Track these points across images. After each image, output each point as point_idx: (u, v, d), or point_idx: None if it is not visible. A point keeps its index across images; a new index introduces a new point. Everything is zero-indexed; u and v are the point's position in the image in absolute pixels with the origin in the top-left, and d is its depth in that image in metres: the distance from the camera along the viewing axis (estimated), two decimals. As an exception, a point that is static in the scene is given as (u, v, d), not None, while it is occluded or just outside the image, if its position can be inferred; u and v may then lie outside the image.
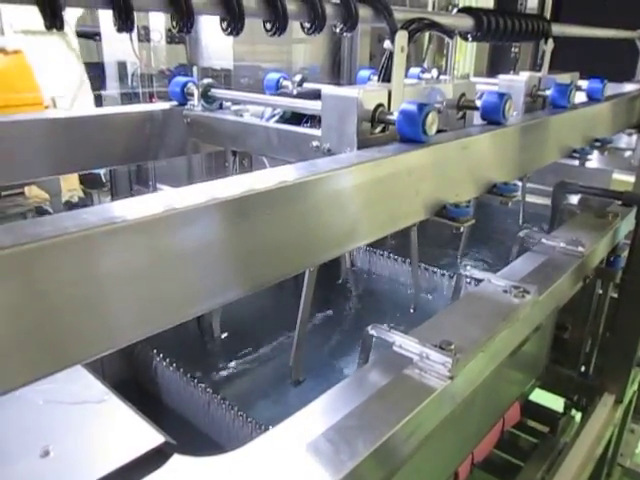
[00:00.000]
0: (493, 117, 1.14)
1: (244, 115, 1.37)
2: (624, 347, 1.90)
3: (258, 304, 1.46)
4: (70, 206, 4.98)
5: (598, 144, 1.72)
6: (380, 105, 0.95)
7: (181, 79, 1.39)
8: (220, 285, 0.66)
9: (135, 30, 1.95)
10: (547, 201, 1.97)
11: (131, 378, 1.23)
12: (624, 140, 3.08)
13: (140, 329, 0.59)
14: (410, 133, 0.92)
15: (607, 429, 1.85)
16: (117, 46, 2.25)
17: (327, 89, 0.95)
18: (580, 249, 1.42)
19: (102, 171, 4.68)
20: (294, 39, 2.25)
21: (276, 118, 1.27)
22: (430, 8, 3.37)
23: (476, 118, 1.20)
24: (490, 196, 2.13)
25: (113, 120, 1.38)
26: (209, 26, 2.08)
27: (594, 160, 3.27)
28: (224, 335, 1.30)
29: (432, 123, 0.91)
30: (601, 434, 1.80)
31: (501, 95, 1.13)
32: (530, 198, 2.10)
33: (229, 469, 0.71)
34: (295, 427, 0.77)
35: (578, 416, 2.05)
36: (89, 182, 5.13)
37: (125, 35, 2.14)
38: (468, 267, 1.28)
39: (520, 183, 1.79)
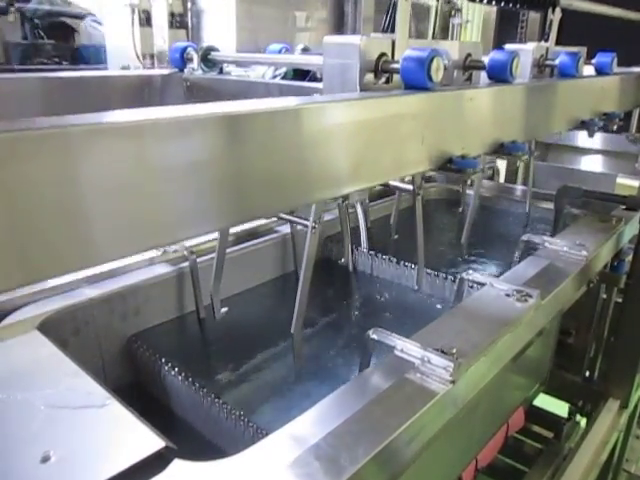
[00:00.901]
0: (500, 75, 1.10)
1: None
2: (629, 352, 1.89)
3: (261, 309, 1.46)
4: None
5: (605, 118, 1.68)
6: (383, 54, 0.91)
7: (180, 44, 1.36)
8: (209, 210, 0.61)
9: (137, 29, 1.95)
10: (550, 205, 1.97)
11: (133, 382, 1.23)
12: (629, 145, 3.08)
13: (119, 247, 0.53)
14: (415, 79, 0.88)
15: (612, 435, 1.84)
16: (121, 52, 2.27)
17: (329, 38, 0.92)
18: (583, 253, 1.41)
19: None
20: (297, 27, 2.26)
21: (278, 79, 1.25)
22: (433, 14, 3.38)
23: (482, 80, 1.17)
24: (495, 199, 2.13)
25: (112, 82, 1.36)
26: (211, 11, 2.08)
27: (598, 164, 3.27)
28: (225, 334, 1.30)
29: (437, 69, 0.88)
30: (606, 440, 1.79)
31: (509, 53, 1.09)
32: (533, 202, 2.10)
33: (230, 474, 0.71)
34: (296, 432, 0.77)
35: (583, 421, 2.03)
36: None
37: (128, 36, 2.15)
38: (470, 271, 1.27)
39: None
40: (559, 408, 2.10)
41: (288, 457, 0.71)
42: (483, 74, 1.14)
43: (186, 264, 1.34)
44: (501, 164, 3.41)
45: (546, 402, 2.03)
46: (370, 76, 0.91)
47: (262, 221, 1.62)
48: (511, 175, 3.31)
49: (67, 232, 0.48)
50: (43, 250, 0.47)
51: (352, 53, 0.88)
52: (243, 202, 0.65)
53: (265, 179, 0.66)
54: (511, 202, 2.18)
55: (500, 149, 1.12)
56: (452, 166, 0.96)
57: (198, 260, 1.35)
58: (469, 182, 2.21)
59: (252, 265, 1.53)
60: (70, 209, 0.48)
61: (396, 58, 0.93)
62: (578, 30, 1.79)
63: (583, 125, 1.57)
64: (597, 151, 3.21)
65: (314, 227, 1.11)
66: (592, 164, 3.26)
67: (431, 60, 0.86)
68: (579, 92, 1.51)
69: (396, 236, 1.59)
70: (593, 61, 1.64)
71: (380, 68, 0.92)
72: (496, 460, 1.67)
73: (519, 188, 2.30)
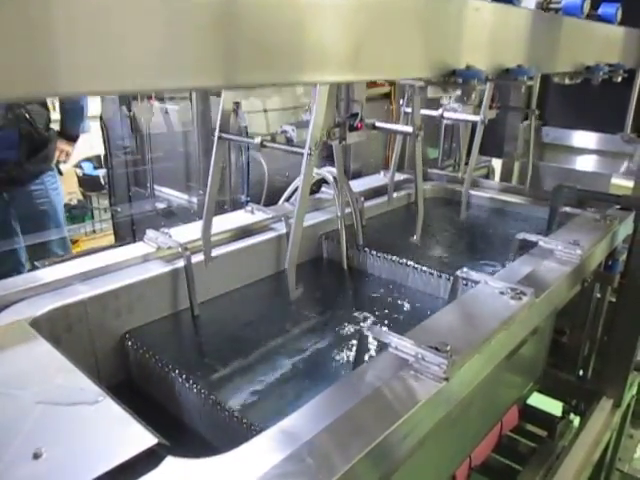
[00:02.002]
0: None
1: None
2: (622, 351, 1.89)
3: (256, 307, 1.46)
4: (69, 208, 4.99)
5: (610, 69, 1.66)
6: None
7: None
8: (192, 61, 0.56)
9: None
10: (545, 204, 1.98)
11: (126, 379, 1.23)
12: (624, 144, 3.09)
13: (85, 80, 0.48)
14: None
15: (605, 434, 1.85)
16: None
17: None
18: (578, 252, 1.41)
19: (101, 174, 4.70)
20: None
21: None
22: None
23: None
24: (493, 201, 2.13)
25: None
26: None
27: (593, 164, 3.28)
28: (218, 337, 1.30)
29: None
30: (599, 438, 1.79)
31: None
32: (528, 201, 2.10)
33: (223, 471, 0.71)
34: (289, 429, 0.77)
35: (577, 420, 2.04)
36: (88, 185, 5.14)
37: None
38: (465, 268, 1.28)
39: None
40: (553, 407, 2.10)
41: (281, 454, 0.71)
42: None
43: (180, 261, 1.34)
44: (496, 163, 3.42)
45: (540, 401, 2.03)
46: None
47: (258, 218, 1.62)
48: (506, 174, 3.32)
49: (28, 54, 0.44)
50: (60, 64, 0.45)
51: None
52: (229, 62, 0.60)
53: (256, 42, 0.61)
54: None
55: (505, 75, 1.09)
56: (456, 79, 0.92)
57: (192, 257, 1.34)
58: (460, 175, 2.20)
59: (248, 262, 1.52)
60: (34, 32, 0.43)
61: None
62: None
63: (587, 71, 1.54)
64: (592, 151, 3.22)
65: (310, 154, 1.10)
66: (587, 164, 3.27)
67: None
68: (584, 34, 1.47)
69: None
70: (598, 11, 1.61)
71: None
72: (490, 459, 1.67)
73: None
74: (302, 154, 1.11)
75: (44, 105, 2.83)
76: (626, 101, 2.88)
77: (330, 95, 1.18)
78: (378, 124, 1.53)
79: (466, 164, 3.48)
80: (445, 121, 2.15)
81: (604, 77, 1.65)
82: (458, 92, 1.59)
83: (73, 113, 2.97)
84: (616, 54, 1.71)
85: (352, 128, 1.41)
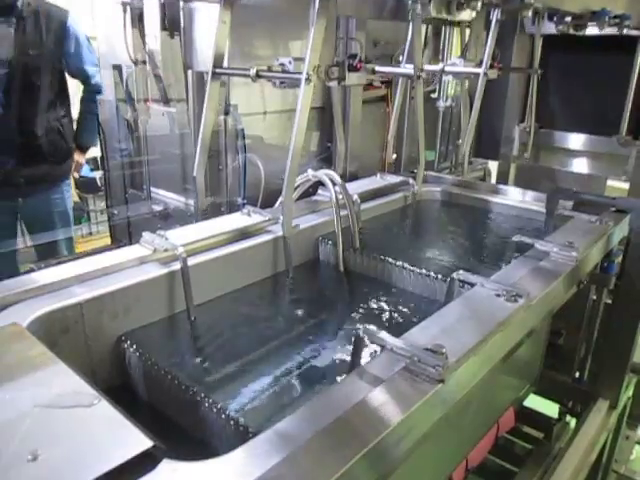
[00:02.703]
0: None
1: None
2: (618, 353, 1.90)
3: (252, 309, 1.46)
4: (65, 211, 4.98)
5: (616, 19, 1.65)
6: None
7: None
8: None
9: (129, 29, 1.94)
10: (542, 207, 1.98)
11: (123, 382, 1.23)
12: (619, 147, 3.10)
13: None
14: None
15: (601, 435, 1.85)
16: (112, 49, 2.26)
17: None
18: (573, 254, 1.42)
19: (98, 176, 4.69)
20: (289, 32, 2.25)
21: None
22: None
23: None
24: (489, 203, 2.14)
25: None
26: (204, 27, 2.08)
27: (589, 166, 3.30)
28: (214, 338, 1.30)
29: None
30: (595, 440, 1.80)
31: None
32: (525, 204, 2.11)
33: (219, 473, 0.71)
34: (285, 431, 0.77)
35: (573, 422, 2.05)
36: (84, 187, 5.13)
37: (120, 36, 2.14)
38: (461, 271, 1.28)
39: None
40: (550, 408, 2.11)
41: (277, 457, 0.71)
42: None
43: (176, 264, 1.34)
44: (492, 165, 3.43)
45: (537, 403, 2.04)
46: None
47: (254, 221, 1.62)
48: (502, 176, 3.33)
49: None
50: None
51: None
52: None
53: None
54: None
55: None
56: None
57: (189, 260, 1.34)
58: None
59: (244, 265, 1.52)
60: None
61: None
62: None
63: (594, 16, 1.53)
64: (588, 153, 3.23)
65: (307, 79, 1.08)
66: (583, 166, 3.29)
67: None
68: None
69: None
70: None
71: None
72: (486, 460, 1.67)
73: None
74: (299, 80, 1.07)
75: (71, 118, 3.00)
76: (621, 104, 2.90)
77: (329, 31, 1.17)
78: (378, 68, 1.51)
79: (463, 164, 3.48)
80: (445, 77, 2.10)
81: (610, 25, 1.63)
82: (463, 16, 1.51)
83: (90, 125, 3.05)
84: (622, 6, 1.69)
85: (351, 68, 1.37)
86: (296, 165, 1.14)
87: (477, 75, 2.00)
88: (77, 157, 3.14)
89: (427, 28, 3.28)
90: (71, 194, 3.17)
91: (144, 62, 2.12)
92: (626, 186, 3.01)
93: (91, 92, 3.00)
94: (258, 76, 1.25)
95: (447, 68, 1.97)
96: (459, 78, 2.44)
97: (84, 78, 2.97)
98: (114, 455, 0.71)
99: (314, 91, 1.17)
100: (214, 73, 1.30)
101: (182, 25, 2.02)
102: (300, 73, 1.11)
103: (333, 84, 1.37)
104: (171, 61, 2.10)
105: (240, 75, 1.59)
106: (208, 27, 2.06)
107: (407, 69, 1.45)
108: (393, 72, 1.54)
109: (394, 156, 2.17)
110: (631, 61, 2.86)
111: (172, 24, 1.99)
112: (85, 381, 0.88)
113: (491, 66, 1.90)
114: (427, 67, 1.91)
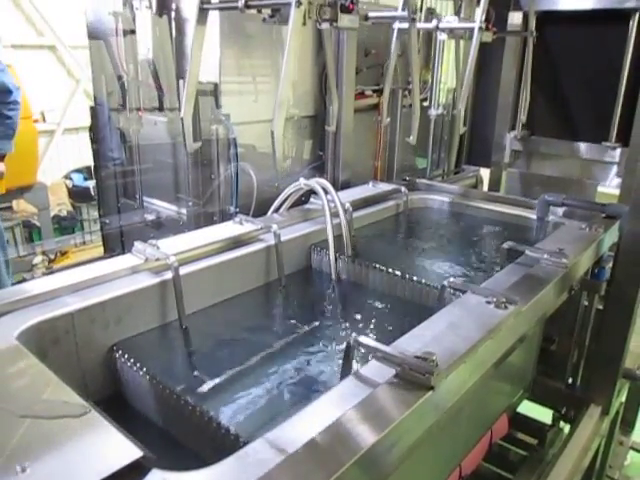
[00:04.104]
0: None
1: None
2: (609, 359, 1.91)
3: (244, 318, 1.46)
4: (59, 219, 4.97)
5: None
6: None
7: None
8: None
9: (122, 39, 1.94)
10: (533, 213, 2.00)
11: (114, 392, 1.22)
12: (609, 154, 3.13)
13: None
14: None
15: (594, 441, 1.85)
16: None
17: None
18: (564, 260, 1.43)
19: (91, 185, 4.69)
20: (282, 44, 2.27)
21: None
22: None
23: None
24: (478, 210, 2.14)
25: None
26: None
27: (580, 172, 3.32)
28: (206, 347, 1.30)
29: None
30: (588, 446, 1.80)
31: None
32: (515, 210, 2.12)
33: (209, 483, 0.70)
34: (276, 440, 0.77)
35: (567, 428, 2.05)
36: (78, 196, 5.12)
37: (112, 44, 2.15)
38: (452, 278, 1.28)
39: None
40: (543, 414, 2.11)
41: (268, 466, 0.71)
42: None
43: (168, 273, 1.34)
44: (484, 172, 3.45)
45: (531, 409, 2.04)
46: None
47: (246, 229, 1.62)
48: (494, 183, 3.35)
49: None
50: None
51: None
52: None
53: None
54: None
55: None
56: None
57: (180, 269, 1.34)
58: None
59: (236, 274, 1.52)
60: None
61: None
62: None
63: None
64: (579, 159, 3.26)
65: (299, 3, 1.07)
66: (574, 172, 3.31)
67: None
68: None
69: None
70: None
71: None
72: (480, 467, 1.67)
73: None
74: (289, 7, 1.06)
75: None
76: (610, 111, 2.92)
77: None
78: (371, 13, 1.47)
79: (455, 173, 3.50)
80: (440, 35, 2.08)
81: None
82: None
83: (4, 131, 2.89)
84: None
85: (344, 9, 1.33)
86: (286, 95, 1.14)
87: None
88: None
89: (418, 36, 3.31)
90: None
91: (136, 72, 2.13)
92: (616, 192, 3.03)
93: None
94: (247, 7, 1.23)
95: (441, 25, 1.96)
96: (454, 37, 2.39)
97: None
98: (103, 465, 0.71)
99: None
100: (201, 9, 1.28)
101: (173, 35, 2.03)
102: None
103: (325, 26, 1.34)
104: (164, 71, 2.11)
105: (228, 8, 1.50)
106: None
107: (400, 12, 1.44)
108: (386, 16, 1.53)
109: (388, 120, 2.16)
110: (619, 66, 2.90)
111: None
112: (74, 392, 0.87)
113: (486, 28, 1.89)
114: (421, 25, 1.88)
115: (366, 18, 1.52)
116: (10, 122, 2.91)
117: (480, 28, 1.88)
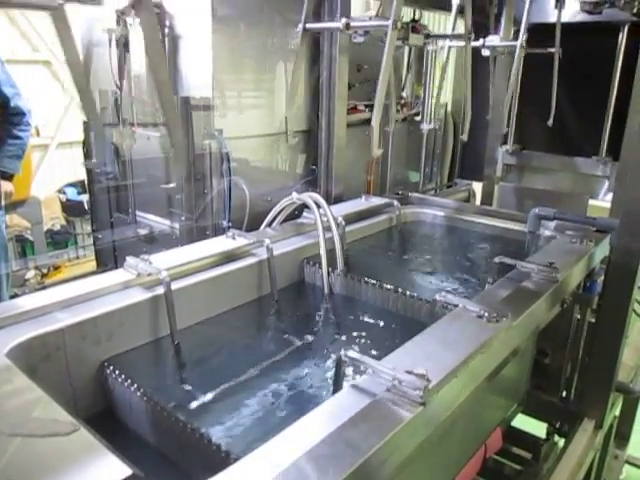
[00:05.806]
0: None
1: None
2: (602, 372, 1.91)
3: (236, 333, 1.45)
4: (52, 234, 4.95)
5: None
6: None
7: None
8: None
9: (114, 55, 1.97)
10: (525, 227, 2.01)
11: (105, 409, 1.21)
12: (600, 168, 3.16)
13: None
14: None
15: (588, 455, 1.85)
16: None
17: None
18: (555, 275, 1.44)
19: (84, 199, 4.68)
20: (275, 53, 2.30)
21: None
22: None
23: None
24: (470, 224, 2.15)
25: None
26: (188, 55, 2.12)
27: (571, 186, 3.35)
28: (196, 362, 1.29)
29: None
30: (582, 460, 1.79)
31: None
32: (507, 224, 2.13)
33: (199, 501, 0.70)
34: (267, 456, 0.77)
35: (561, 442, 2.04)
36: (71, 210, 5.11)
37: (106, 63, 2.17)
38: (443, 292, 1.29)
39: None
40: (538, 428, 2.10)
41: (258, 482, 0.71)
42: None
43: (160, 288, 1.33)
44: (477, 186, 3.47)
45: (525, 423, 2.03)
46: None
47: (239, 244, 1.62)
48: (487, 197, 3.37)
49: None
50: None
51: None
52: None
53: None
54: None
55: None
56: None
57: (172, 284, 1.34)
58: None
59: (229, 288, 1.52)
60: None
61: None
62: None
63: None
64: (570, 173, 3.29)
65: (395, 22, 1.39)
66: (565, 186, 3.34)
67: None
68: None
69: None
70: None
71: None
72: (475, 482, 1.66)
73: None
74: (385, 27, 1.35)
75: None
76: (600, 126, 2.96)
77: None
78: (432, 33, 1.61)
79: (448, 187, 3.53)
80: (484, 52, 2.33)
81: None
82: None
83: (11, 150, 2.96)
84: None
85: (414, 30, 1.69)
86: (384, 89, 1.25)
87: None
88: (4, 185, 2.98)
89: (410, 52, 3.35)
90: (4, 225, 3.00)
91: (129, 87, 2.14)
92: (607, 205, 3.06)
93: (10, 115, 2.91)
94: (347, 28, 1.44)
95: (487, 43, 2.15)
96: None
97: (1, 101, 2.87)
98: (92, 484, 0.71)
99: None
100: (304, 29, 1.57)
101: (167, 51, 2.05)
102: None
103: (398, 43, 1.56)
104: (157, 86, 2.11)
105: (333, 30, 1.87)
106: (192, 52, 2.09)
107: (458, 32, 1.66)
108: (446, 35, 1.76)
109: (380, 151, 2.31)
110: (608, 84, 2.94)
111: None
112: (64, 409, 0.87)
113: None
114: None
115: (428, 36, 1.75)
116: (21, 143, 3.00)
117: (522, 46, 2.10)
